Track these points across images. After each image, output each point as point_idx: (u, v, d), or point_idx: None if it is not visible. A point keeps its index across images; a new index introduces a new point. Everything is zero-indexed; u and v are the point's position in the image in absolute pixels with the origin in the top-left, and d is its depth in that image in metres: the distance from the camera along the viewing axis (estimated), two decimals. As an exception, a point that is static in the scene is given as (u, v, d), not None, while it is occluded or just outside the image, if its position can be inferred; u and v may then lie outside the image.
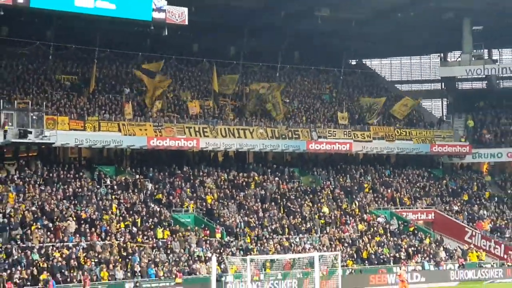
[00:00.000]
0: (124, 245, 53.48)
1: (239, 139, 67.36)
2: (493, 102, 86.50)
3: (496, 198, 77.01)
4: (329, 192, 69.83)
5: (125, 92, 67.45)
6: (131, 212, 57.76)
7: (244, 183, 66.62)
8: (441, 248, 65.58)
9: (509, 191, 78.47)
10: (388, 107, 79.87)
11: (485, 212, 73.81)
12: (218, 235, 58.33)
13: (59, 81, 66.70)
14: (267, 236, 60.00)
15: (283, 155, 73.16)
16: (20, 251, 49.52)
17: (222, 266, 53.73)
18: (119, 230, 55.11)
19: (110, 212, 56.78)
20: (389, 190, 72.60)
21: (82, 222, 54.36)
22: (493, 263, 65.75)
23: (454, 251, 65.94)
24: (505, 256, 67.14)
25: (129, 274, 50.95)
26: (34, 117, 56.78)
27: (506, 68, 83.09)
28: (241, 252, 56.27)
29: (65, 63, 68.98)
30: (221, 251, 56.06)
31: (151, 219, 57.61)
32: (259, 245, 58.37)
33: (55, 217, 53.82)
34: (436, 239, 67.51)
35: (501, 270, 63.90)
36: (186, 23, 60.57)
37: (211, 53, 75.04)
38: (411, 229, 67.84)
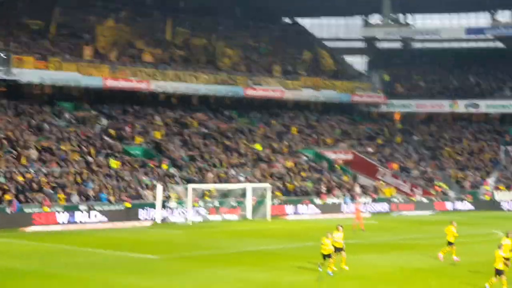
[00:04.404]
0: (80, 172, 52.34)
1: (186, 83, 66.43)
2: (406, 60, 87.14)
3: (405, 143, 77.34)
4: (263, 133, 69.30)
5: (85, 38, 65.73)
6: (87, 143, 56.56)
7: (188, 122, 65.76)
8: (357, 184, 65.59)
9: (415, 137, 78.89)
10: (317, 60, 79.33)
11: (395, 154, 74.17)
12: (164, 166, 57.44)
13: (27, 25, 64.61)
14: (207, 168, 59.31)
15: (223, 99, 72.30)
16: (-13, 174, 48.27)
17: (166, 193, 52.92)
18: (76, 159, 53.92)
19: (68, 143, 55.51)
20: (314, 133, 72.27)
21: (43, 151, 53.16)
22: (401, 198, 66.01)
23: (368, 187, 66.12)
24: (411, 192, 67.60)
25: (83, 198, 49.91)
26: (3, 56, 55.42)
27: (418, 32, 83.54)
28: (184, 182, 55.49)
29: (32, 9, 66.72)
30: (166, 180, 55.21)
31: (104, 150, 56.53)
32: (200, 176, 57.68)
33: (20, 146, 52.47)
34: (353, 176, 67.57)
35: (407, 204, 64.15)
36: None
37: (163, 5, 73.62)
38: (334, 167, 67.71)
